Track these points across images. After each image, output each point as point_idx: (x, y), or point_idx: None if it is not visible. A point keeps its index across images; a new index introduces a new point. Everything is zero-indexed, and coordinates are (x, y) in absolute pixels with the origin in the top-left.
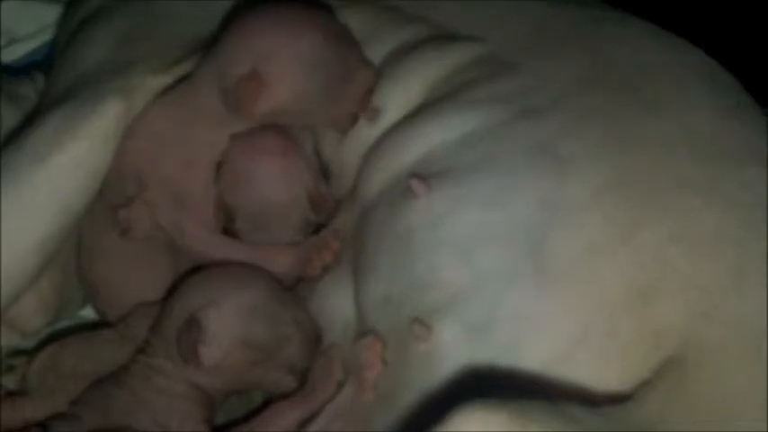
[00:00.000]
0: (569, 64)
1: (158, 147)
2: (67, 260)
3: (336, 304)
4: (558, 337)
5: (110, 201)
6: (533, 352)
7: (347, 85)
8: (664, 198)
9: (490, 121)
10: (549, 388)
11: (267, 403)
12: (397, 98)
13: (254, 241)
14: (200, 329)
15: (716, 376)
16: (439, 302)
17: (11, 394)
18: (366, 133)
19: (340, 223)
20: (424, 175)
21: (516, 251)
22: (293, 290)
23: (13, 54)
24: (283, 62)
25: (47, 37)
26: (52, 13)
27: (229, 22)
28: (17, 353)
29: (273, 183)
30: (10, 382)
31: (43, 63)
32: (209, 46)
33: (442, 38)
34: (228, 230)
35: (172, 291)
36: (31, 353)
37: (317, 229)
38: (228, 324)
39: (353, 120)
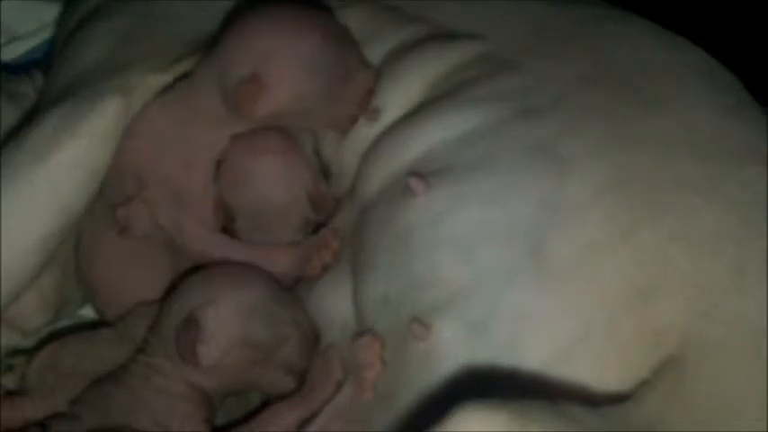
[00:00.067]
0: (570, 62)
1: (158, 146)
2: (67, 259)
3: (335, 304)
4: (558, 335)
5: (109, 200)
6: (533, 350)
7: (347, 87)
8: (664, 197)
9: (490, 120)
10: (548, 387)
11: (266, 404)
12: (397, 97)
13: (253, 241)
14: (198, 329)
15: (716, 375)
16: (438, 301)
17: (10, 393)
18: (366, 132)
19: (339, 222)
20: (423, 173)
21: (517, 249)
22: (292, 289)
23: (13, 52)
24: (284, 63)
25: (46, 35)
26: (52, 12)
27: (230, 22)
28: (17, 352)
29: (273, 182)
30: (9, 381)
31: (43, 61)
32: (209, 46)
33: (442, 37)
34: (228, 230)
35: (171, 290)
36: (30, 352)
37: (317, 228)
38: (227, 323)
39: (353, 120)
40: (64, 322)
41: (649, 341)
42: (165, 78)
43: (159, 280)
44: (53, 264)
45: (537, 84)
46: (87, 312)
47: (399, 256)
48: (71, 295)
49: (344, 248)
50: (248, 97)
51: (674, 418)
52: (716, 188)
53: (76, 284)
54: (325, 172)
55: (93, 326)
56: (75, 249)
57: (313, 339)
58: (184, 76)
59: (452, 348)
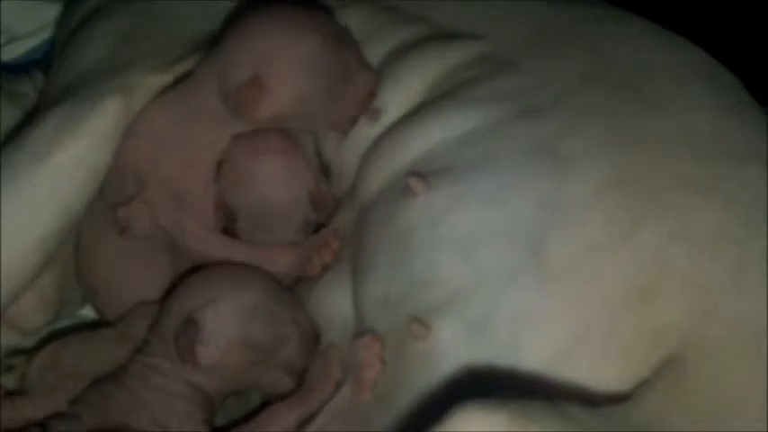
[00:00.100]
0: (570, 62)
1: (158, 146)
2: (67, 259)
3: (335, 304)
4: (559, 335)
5: (110, 200)
6: (533, 350)
7: (347, 88)
8: (664, 197)
9: (490, 120)
10: (548, 387)
11: (265, 404)
12: (398, 97)
13: (254, 241)
14: (197, 329)
15: (716, 375)
16: (438, 301)
17: (10, 393)
18: (366, 132)
19: (339, 222)
20: (422, 173)
21: (517, 249)
22: (292, 289)
23: (13, 52)
24: (285, 65)
25: (46, 35)
26: (52, 12)
27: (231, 23)
28: (17, 352)
29: (275, 182)
30: (9, 381)
31: (43, 61)
32: (209, 46)
33: (442, 37)
34: (229, 230)
35: (171, 290)
36: (30, 352)
37: (318, 228)
38: (226, 324)
39: (354, 121)
40: (64, 322)
41: (649, 341)
42: (165, 78)
43: (159, 280)
44: (53, 264)
45: (537, 84)
46: (87, 312)
47: (399, 255)
48: (71, 295)
49: (345, 248)
50: (249, 99)
51: (673, 418)
52: (716, 188)
53: (76, 284)
54: (325, 172)
55: (94, 326)
56: (75, 249)
57: (313, 339)
58: (185, 77)
59: (452, 348)
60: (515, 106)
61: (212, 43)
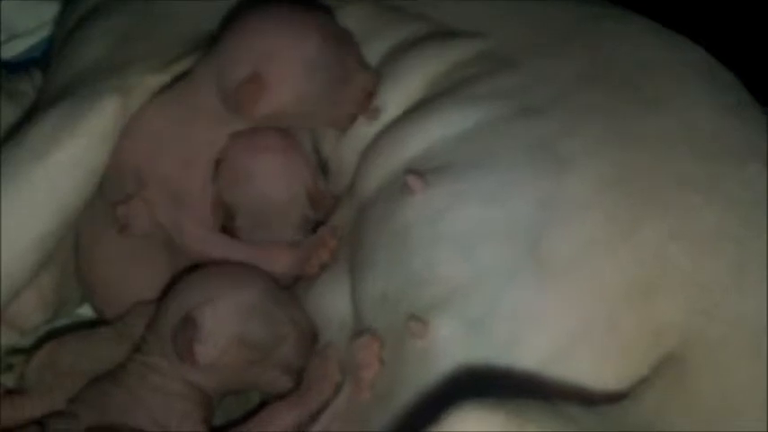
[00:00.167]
0: (569, 61)
1: (157, 145)
2: (66, 258)
3: (333, 303)
4: (558, 333)
5: (109, 199)
6: (532, 349)
7: (347, 88)
8: (664, 195)
9: (490, 118)
10: (547, 386)
11: (264, 404)
12: (397, 95)
13: (253, 239)
14: (195, 327)
15: (715, 374)
16: (436, 298)
17: (9, 392)
18: (365, 131)
19: (338, 221)
20: (421, 171)
21: (516, 248)
22: (290, 289)
23: (12, 50)
24: (285, 63)
25: (45, 33)
26: (51, 10)
27: (230, 21)
28: (15, 351)
29: (273, 180)
30: (8, 380)
31: (41, 60)
32: (208, 45)
33: (442, 35)
34: (228, 228)
35: (168, 289)
36: (29, 351)
37: (316, 226)
38: (224, 322)
39: (353, 119)
40: (62, 321)
41: (649, 340)
42: (163, 78)
43: (158, 279)
44: (51, 263)
45: (537, 82)
46: (86, 311)
47: (398, 253)
48: (70, 294)
49: (343, 247)
50: (249, 97)
51: (673, 417)
52: (716, 187)
53: (75, 284)
54: (323, 169)
55: (92, 325)
56: (73, 248)
57: (311, 338)
58: (183, 76)
59: (450, 346)
60: (515, 104)
61: (211, 43)
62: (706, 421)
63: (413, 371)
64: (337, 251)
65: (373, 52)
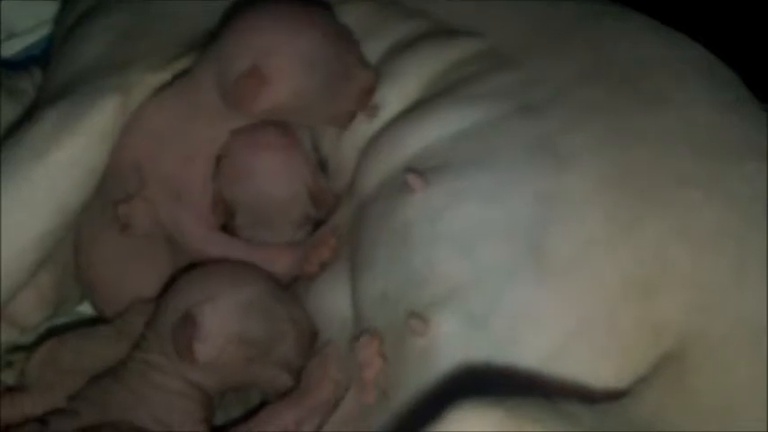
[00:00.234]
0: (569, 59)
1: (157, 143)
2: (66, 256)
3: (333, 302)
4: (558, 331)
5: (110, 197)
6: (532, 347)
7: (346, 84)
8: (664, 193)
9: (489, 116)
10: (546, 383)
11: (264, 404)
12: (396, 94)
13: (254, 237)
14: (195, 325)
15: (715, 373)
16: (436, 296)
17: (10, 390)
18: (364, 129)
19: (338, 220)
20: (420, 169)
21: (516, 246)
22: (290, 287)
23: (12, 49)
24: (283, 59)
25: (45, 32)
26: (50, 9)
27: (230, 18)
28: (15, 349)
29: (274, 178)
30: (9, 377)
31: (41, 58)
32: (208, 43)
33: (441, 33)
34: (228, 226)
35: (168, 287)
36: (29, 349)
37: (317, 225)
38: (224, 320)
39: (352, 117)
40: (62, 319)
41: (649, 338)
42: (163, 76)
43: (158, 277)
44: (51, 261)
45: (536, 80)
46: (86, 309)
47: (398, 251)
48: (70, 292)
49: (343, 246)
50: (248, 91)
51: (672, 416)
52: (716, 184)
53: (75, 282)
54: (322, 167)
55: (92, 322)
56: (73, 247)
57: (310, 337)
58: (183, 74)
59: (450, 344)
60: (514, 103)
61: (211, 40)
62: (706, 420)
63: (413, 369)
64: (337, 250)
65: (372, 50)
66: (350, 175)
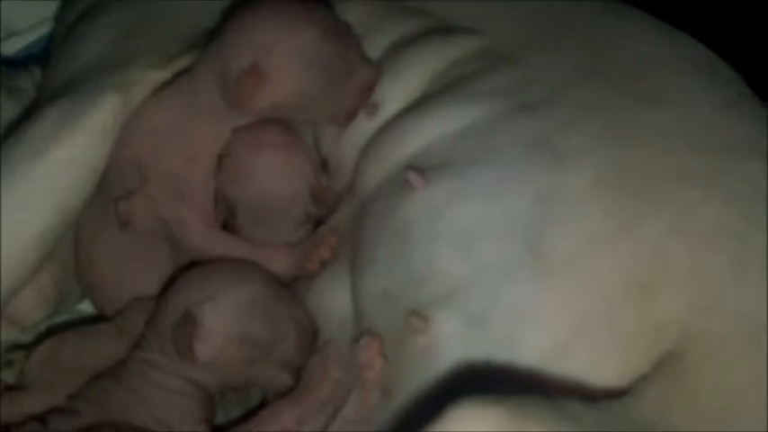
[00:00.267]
0: (568, 57)
1: (158, 141)
2: (66, 255)
3: (334, 301)
4: (557, 329)
5: (111, 195)
6: (532, 344)
7: (346, 81)
8: (663, 191)
9: (489, 115)
10: (547, 382)
11: (265, 403)
12: (396, 92)
13: (255, 235)
14: (195, 325)
15: (716, 371)
16: (437, 295)
17: (9, 388)
18: (365, 127)
19: (339, 218)
20: (421, 167)
21: (515, 244)
22: (290, 286)
23: (12, 47)
24: (283, 56)
25: (45, 30)
26: (50, 7)
27: (230, 16)
28: (15, 347)
29: (275, 176)
30: (9, 376)
31: (41, 56)
32: (208, 41)
33: (441, 31)
34: (229, 224)
35: (168, 286)
36: (29, 347)
37: (318, 223)
38: (224, 320)
39: (353, 115)
40: (62, 317)
41: (649, 336)
42: (164, 74)
43: (159, 275)
44: (51, 260)
45: (535, 78)
46: (86, 307)
47: (398, 249)
48: (70, 291)
49: (343, 245)
50: (248, 90)
51: (673, 414)
52: (715, 182)
53: (75, 280)
54: (323, 166)
55: (92, 321)
56: (74, 245)
57: (311, 336)
58: (184, 72)
59: (451, 343)
60: (513, 101)
61: (211, 38)
62: (706, 420)
63: (413, 368)
64: (338, 248)
65: (373, 48)
66: (350, 174)
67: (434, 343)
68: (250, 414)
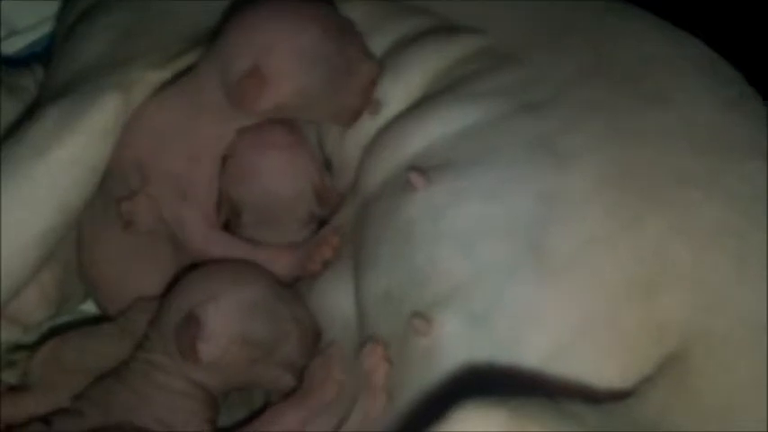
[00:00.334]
0: (571, 56)
1: (159, 141)
2: (68, 255)
3: (336, 301)
4: (559, 329)
5: (113, 195)
6: (534, 345)
7: (349, 78)
8: (664, 191)
9: (491, 114)
10: (550, 383)
11: (268, 405)
12: (399, 91)
13: (258, 235)
14: (198, 325)
15: (719, 371)
16: (439, 295)
17: (12, 389)
18: (368, 126)
19: (341, 219)
20: (423, 167)
21: (516, 244)
22: (292, 286)
23: (14, 46)
24: (283, 57)
25: (47, 29)
26: (52, 6)
27: (231, 15)
28: (18, 348)
29: (279, 177)
30: (11, 377)
31: (43, 55)
32: (210, 40)
33: (444, 30)
34: (232, 224)
35: (171, 286)
36: (31, 348)
37: (321, 223)
38: (227, 320)
39: (357, 113)
40: (65, 317)
41: (652, 336)
42: (165, 74)
43: (161, 275)
44: (53, 260)
45: (538, 78)
46: (89, 307)
47: (400, 249)
48: (73, 291)
49: (346, 245)
50: (250, 92)
51: (676, 415)
52: (717, 182)
53: (78, 280)
54: (326, 165)
55: (95, 321)
56: (76, 245)
57: (313, 336)
58: (185, 71)
59: (453, 343)
60: (516, 101)
61: (212, 38)
62: (708, 420)
63: (417, 369)
64: (340, 249)
65: (375, 47)
66: (353, 173)
67: (437, 344)
68: (253, 416)
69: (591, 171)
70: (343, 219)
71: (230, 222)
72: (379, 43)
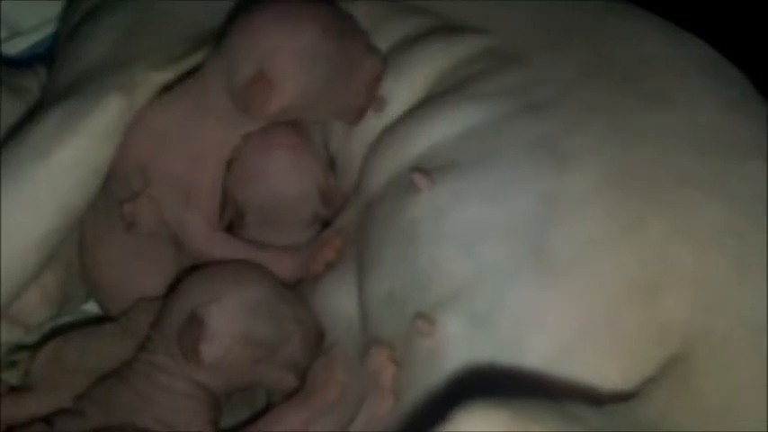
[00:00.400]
0: (573, 57)
1: (161, 143)
2: (70, 255)
3: (339, 302)
4: (561, 330)
5: (116, 196)
6: (536, 346)
7: (352, 76)
8: (666, 192)
9: (493, 116)
10: (552, 384)
11: (270, 405)
12: (402, 90)
13: (263, 236)
14: (201, 326)
15: (721, 372)
16: (442, 296)
17: (14, 389)
18: (373, 124)
19: (344, 220)
20: (426, 168)
21: (518, 245)
22: (295, 288)
23: (16, 47)
24: (286, 60)
25: (49, 30)
26: (55, 7)
27: (235, 18)
28: (20, 348)
29: (285, 177)
30: (13, 377)
31: (46, 56)
32: (214, 42)
33: (447, 30)
34: (234, 225)
35: (173, 287)
36: (33, 348)
37: (325, 224)
38: (230, 321)
39: (362, 111)
40: (67, 318)
41: (653, 337)
42: (167, 75)
43: (163, 276)
44: (55, 261)
45: (540, 79)
46: (91, 308)
47: (404, 250)
48: (75, 291)
49: (349, 246)
50: (258, 96)
51: (678, 417)
52: (718, 183)
53: (80, 281)
54: (331, 164)
55: (97, 321)
56: (78, 246)
57: (316, 337)
58: (189, 73)
59: (456, 345)
60: (518, 102)
61: (216, 39)
62: (710, 420)
63: (420, 370)
64: (343, 250)
65: (379, 46)
66: (357, 173)
67: (440, 345)
68: (256, 416)
69: (592, 172)
70: (347, 220)
71: (233, 223)
72: (383, 43)
